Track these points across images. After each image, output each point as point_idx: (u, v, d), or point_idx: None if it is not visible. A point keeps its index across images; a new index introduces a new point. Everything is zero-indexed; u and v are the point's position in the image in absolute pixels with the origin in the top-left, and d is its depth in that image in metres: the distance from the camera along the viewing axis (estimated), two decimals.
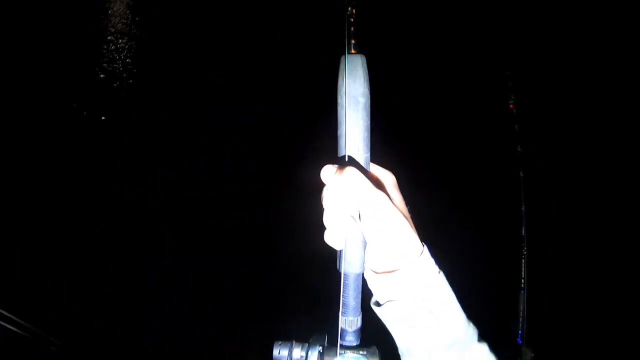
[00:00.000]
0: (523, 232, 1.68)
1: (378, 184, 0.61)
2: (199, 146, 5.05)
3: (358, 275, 0.59)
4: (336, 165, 0.59)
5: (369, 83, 0.59)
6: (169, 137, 5.31)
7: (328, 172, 0.59)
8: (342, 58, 0.59)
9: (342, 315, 0.60)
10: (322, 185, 0.60)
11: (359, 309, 0.60)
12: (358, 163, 0.59)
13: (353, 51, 0.60)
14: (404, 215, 0.60)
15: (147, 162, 4.69)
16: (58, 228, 3.50)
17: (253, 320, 2.73)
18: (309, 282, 2.54)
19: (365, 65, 0.59)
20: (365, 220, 0.57)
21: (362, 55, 0.60)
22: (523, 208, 1.68)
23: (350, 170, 0.56)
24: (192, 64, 6.55)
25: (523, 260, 1.68)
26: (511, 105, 1.80)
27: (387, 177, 0.64)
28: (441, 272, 0.60)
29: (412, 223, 0.61)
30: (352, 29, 0.62)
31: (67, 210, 3.76)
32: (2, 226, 3.43)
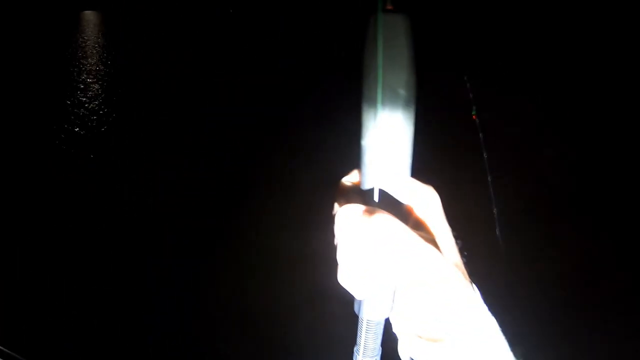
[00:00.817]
0: (497, 232, 1.70)
1: (418, 225, 0.45)
2: (199, 146, 5.05)
3: (382, 320, 0.46)
4: (361, 207, 0.40)
5: (414, 62, 0.36)
6: (169, 137, 5.32)
7: (348, 216, 0.40)
8: (372, 20, 0.36)
9: (359, 355, 0.49)
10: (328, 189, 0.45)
11: (379, 348, 0.50)
12: (392, 199, 0.40)
13: (389, 6, 0.36)
14: (457, 266, 0.45)
15: (147, 162, 4.69)
16: (58, 228, 3.51)
17: (253, 320, 2.73)
18: (311, 283, 2.54)
19: (409, 32, 0.36)
20: (397, 271, 0.42)
21: (404, 15, 0.36)
22: (495, 210, 1.70)
23: (380, 219, 0.39)
24: (192, 64, 6.55)
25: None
26: (474, 116, 1.82)
27: (432, 202, 0.46)
28: (493, 319, 0.47)
29: (464, 270, 0.46)
30: None
31: (67, 210, 3.76)
32: (3, 226, 3.44)
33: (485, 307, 0.46)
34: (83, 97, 6.58)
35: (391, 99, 0.36)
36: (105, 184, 4.25)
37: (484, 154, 1.78)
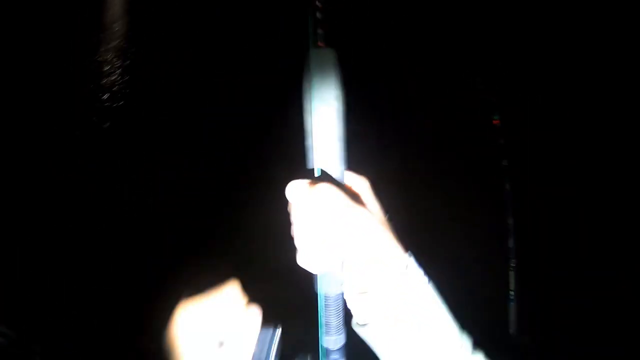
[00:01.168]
0: (510, 244, 1.69)
1: (354, 197, 0.54)
2: (199, 146, 5.04)
3: (339, 294, 0.55)
4: (305, 181, 0.53)
5: (341, 83, 0.50)
6: (169, 137, 5.31)
7: (296, 190, 0.53)
8: (309, 54, 0.52)
9: (324, 335, 0.56)
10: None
11: (343, 325, 0.56)
12: (331, 177, 0.52)
13: (321, 44, 0.52)
14: (383, 226, 0.54)
15: (147, 162, 4.69)
16: (58, 228, 3.50)
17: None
18: (311, 283, 2.54)
19: (336, 61, 0.51)
20: (343, 240, 0.51)
21: (332, 49, 0.52)
22: (510, 221, 1.69)
23: (322, 187, 0.50)
24: (192, 64, 6.54)
25: (511, 273, 1.68)
26: (495, 121, 1.82)
27: (361, 184, 0.57)
28: (430, 282, 0.54)
29: (393, 233, 0.55)
30: (319, 15, 0.53)
31: (67, 210, 3.75)
32: (2, 226, 3.43)
33: (420, 272, 0.54)
34: (83, 96, 6.57)
35: (324, 110, 0.49)
36: (105, 184, 4.25)
37: (504, 161, 1.77)
